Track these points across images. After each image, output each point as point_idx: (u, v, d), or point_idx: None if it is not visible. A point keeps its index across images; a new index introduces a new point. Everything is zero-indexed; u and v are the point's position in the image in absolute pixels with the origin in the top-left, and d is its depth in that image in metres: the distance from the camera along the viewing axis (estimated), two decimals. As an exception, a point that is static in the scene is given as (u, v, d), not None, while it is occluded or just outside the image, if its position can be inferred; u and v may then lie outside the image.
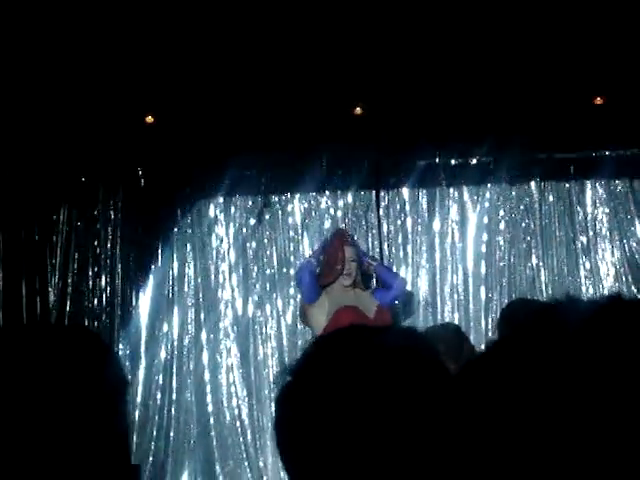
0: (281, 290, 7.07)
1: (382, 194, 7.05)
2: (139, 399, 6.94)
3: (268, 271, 7.11)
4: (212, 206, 7.16)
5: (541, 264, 7.00)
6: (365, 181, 7.02)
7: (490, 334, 6.65)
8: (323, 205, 7.13)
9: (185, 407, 7.01)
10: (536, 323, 1.09)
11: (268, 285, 7.09)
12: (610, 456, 0.98)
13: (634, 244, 6.99)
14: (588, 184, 7.06)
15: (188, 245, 7.16)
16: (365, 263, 6.39)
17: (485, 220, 7.05)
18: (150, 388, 6.99)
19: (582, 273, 7.01)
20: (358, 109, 6.55)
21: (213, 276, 7.12)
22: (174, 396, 7.01)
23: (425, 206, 7.08)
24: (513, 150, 6.74)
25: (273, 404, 1.43)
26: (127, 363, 6.76)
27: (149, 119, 6.59)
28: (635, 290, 6.92)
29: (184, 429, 7.00)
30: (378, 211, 7.03)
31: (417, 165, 6.97)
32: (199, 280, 7.12)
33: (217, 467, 6.96)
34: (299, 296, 6.54)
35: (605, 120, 6.49)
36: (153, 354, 7.01)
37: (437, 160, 6.96)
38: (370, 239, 7.08)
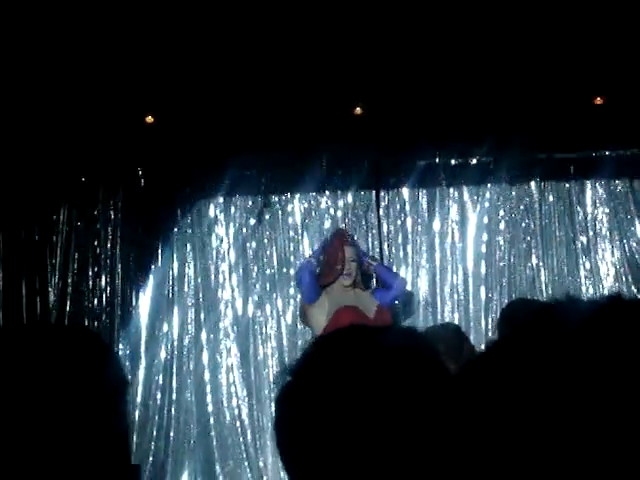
0: (281, 290, 7.07)
1: (382, 194, 7.05)
2: (139, 399, 6.94)
3: (268, 271, 7.11)
4: (212, 206, 7.16)
5: (541, 264, 7.00)
6: (365, 181, 7.02)
7: (490, 334, 6.64)
8: (323, 205, 7.13)
9: (185, 407, 7.01)
10: (536, 323, 1.09)
11: (268, 285, 7.09)
12: (610, 456, 0.98)
13: (634, 244, 6.99)
14: (588, 184, 7.06)
15: (188, 245, 7.16)
16: (365, 263, 6.39)
17: (485, 220, 7.05)
18: (150, 388, 6.99)
19: (582, 273, 7.01)
20: (358, 109, 6.55)
21: (213, 276, 7.12)
22: (174, 396, 7.01)
23: (425, 206, 7.08)
24: (513, 150, 6.74)
25: (273, 404, 1.43)
26: (127, 363, 6.75)
27: (149, 119, 6.59)
28: (635, 290, 6.92)
29: (184, 429, 7.00)
30: (378, 211, 7.03)
31: (417, 165, 6.97)
32: (199, 280, 7.12)
33: (217, 467, 6.95)
34: (299, 296, 6.53)
35: (605, 120, 6.48)
36: (153, 354, 7.00)
37: (437, 160, 6.96)
38: (370, 239, 7.07)
